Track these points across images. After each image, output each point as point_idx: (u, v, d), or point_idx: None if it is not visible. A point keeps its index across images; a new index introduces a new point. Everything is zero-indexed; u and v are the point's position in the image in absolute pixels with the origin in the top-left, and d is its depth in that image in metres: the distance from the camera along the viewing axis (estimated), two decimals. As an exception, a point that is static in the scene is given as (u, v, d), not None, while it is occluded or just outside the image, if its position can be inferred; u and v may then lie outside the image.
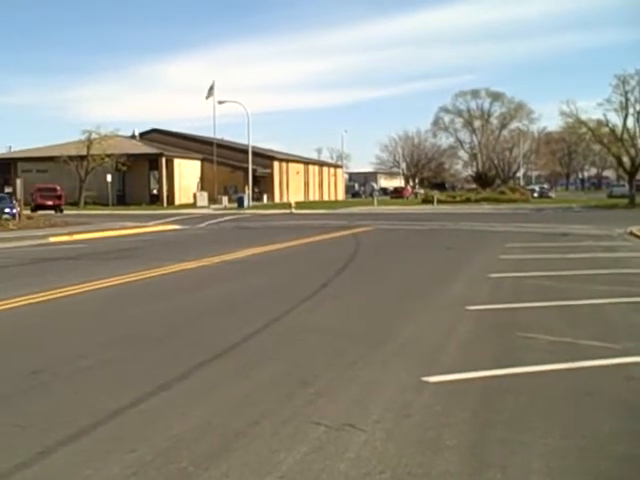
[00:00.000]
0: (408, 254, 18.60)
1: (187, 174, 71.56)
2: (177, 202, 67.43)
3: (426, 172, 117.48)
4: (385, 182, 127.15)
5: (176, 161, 70.35)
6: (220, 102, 67.12)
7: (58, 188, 54.29)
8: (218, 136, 73.53)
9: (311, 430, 4.78)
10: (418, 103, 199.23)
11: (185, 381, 6.04)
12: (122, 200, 66.73)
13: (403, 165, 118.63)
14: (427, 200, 66.92)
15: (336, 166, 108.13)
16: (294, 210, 50.34)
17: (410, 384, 5.94)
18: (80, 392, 5.70)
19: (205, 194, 66.22)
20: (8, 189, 57.84)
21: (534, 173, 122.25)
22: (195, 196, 66.20)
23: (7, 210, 35.36)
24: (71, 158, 63.63)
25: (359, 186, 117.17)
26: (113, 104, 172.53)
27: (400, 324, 8.60)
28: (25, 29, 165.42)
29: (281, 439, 4.61)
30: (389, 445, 4.54)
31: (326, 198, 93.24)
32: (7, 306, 9.87)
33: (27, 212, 40.14)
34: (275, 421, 4.96)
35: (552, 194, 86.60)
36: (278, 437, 4.65)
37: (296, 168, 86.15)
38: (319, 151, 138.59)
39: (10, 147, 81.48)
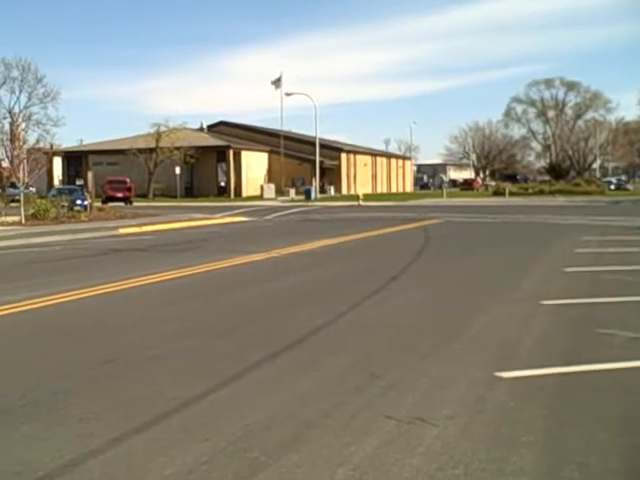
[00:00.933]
0: (479, 247, 18.36)
1: (254, 166, 72.24)
2: (244, 194, 68.18)
3: (497, 164, 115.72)
4: (454, 174, 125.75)
5: (243, 153, 71.10)
6: (287, 94, 67.53)
7: (128, 180, 55.55)
8: (285, 128, 74.00)
9: (382, 423, 4.78)
10: (489, 93, 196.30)
11: (256, 371, 6.11)
12: (190, 192, 67.85)
13: (473, 156, 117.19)
14: (498, 192, 65.89)
15: (404, 158, 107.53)
16: (362, 202, 50.27)
17: (483, 379, 5.87)
18: (153, 381, 5.84)
19: (272, 186, 66.79)
20: (79, 182, 59.53)
21: (611, 165, 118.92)
22: (262, 188, 66.84)
23: (79, 202, 36.36)
24: (140, 151, 65.04)
25: (428, 178, 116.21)
26: (182, 97, 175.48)
27: (472, 318, 8.50)
28: (97, 24, 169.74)
29: (352, 431, 4.63)
30: (462, 441, 4.50)
31: (394, 190, 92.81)
32: (79, 296, 10.16)
33: (98, 204, 41.17)
34: (345, 413, 4.98)
35: (630, 186, 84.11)
36: (349, 429, 4.66)
37: (364, 160, 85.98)
38: (387, 142, 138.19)
39: (81, 140, 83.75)
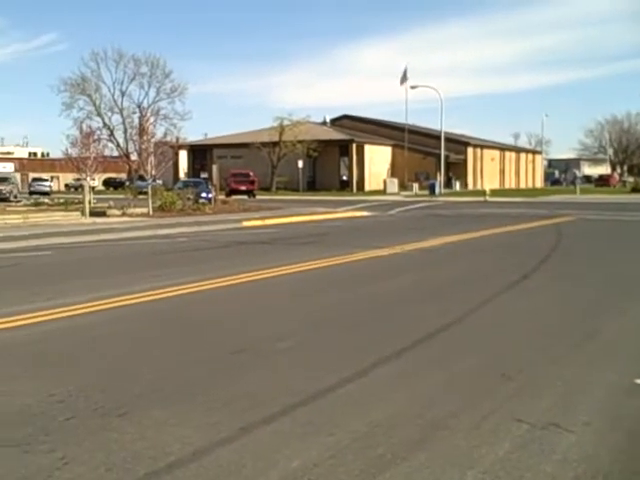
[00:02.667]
0: (616, 246, 17.60)
1: (377, 160, 72.29)
2: (367, 188, 68.36)
3: (636, 159, 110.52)
4: (589, 169, 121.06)
5: (366, 147, 71.28)
6: (413, 87, 67.11)
7: (251, 174, 56.88)
8: (410, 121, 73.56)
9: (513, 427, 4.67)
10: (627, 84, 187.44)
11: (382, 368, 6.12)
12: (312, 186, 68.73)
13: (610, 151, 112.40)
14: (637, 189, 62.93)
15: (535, 152, 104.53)
16: (488, 198, 49.28)
17: (621, 386, 5.63)
18: (279, 373, 5.95)
19: (395, 180, 66.63)
20: (204, 174, 61.46)
21: None
22: (385, 182, 66.80)
23: (203, 195, 37.58)
24: (264, 144, 66.45)
25: (559, 173, 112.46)
26: (305, 91, 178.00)
27: (608, 321, 8.18)
28: (225, 19, 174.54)
29: (481, 434, 4.55)
30: (600, 449, 4.33)
31: (523, 186, 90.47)
32: (205, 287, 10.49)
33: (222, 197, 42.40)
34: (475, 414, 4.90)
35: None
36: (478, 431, 4.59)
37: (491, 154, 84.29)
38: (516, 136, 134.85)
39: (206, 134, 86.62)
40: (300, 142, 65.04)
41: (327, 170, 70.33)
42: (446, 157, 68.44)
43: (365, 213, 33.75)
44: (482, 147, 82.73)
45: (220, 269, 12.49)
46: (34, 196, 54.71)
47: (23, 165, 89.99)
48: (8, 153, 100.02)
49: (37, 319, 7.98)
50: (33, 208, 34.49)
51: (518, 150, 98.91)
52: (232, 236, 20.87)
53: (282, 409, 4.97)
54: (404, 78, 68.22)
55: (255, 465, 4.03)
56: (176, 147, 58.72)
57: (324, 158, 68.33)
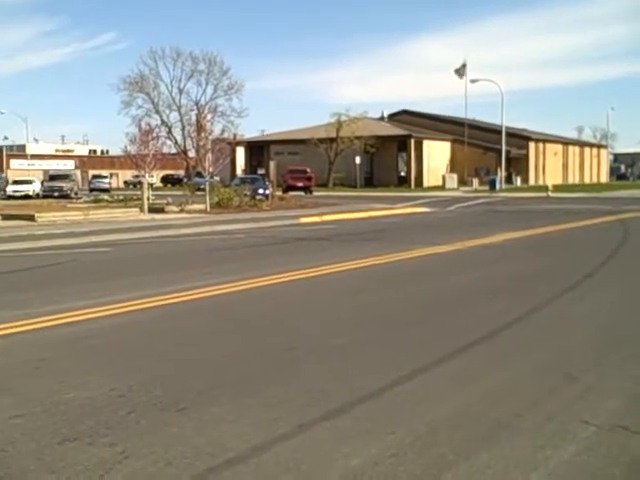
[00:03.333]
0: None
1: (436, 156, 71.73)
2: (425, 184, 67.93)
3: None
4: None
5: (425, 142, 70.80)
6: (472, 81, 66.37)
7: (308, 170, 57.05)
8: (469, 116, 72.78)
9: (579, 429, 4.56)
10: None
11: (442, 366, 6.05)
12: (369, 182, 68.59)
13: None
14: None
15: (599, 146, 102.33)
16: (550, 193, 48.45)
17: (695, 388, 5.46)
18: (335, 370, 5.94)
19: (454, 176, 66.02)
20: (261, 171, 61.87)
21: None
22: (444, 178, 66.25)
23: (260, 191, 37.85)
24: (321, 141, 66.59)
25: (626, 168, 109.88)
26: (363, 86, 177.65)
27: (680, 321, 7.94)
28: (283, 15, 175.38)
29: (546, 435, 4.45)
30: (673, 454, 4.20)
31: (587, 181, 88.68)
32: (261, 283, 10.55)
33: (279, 193, 42.64)
34: (539, 415, 4.80)
35: None
36: (542, 432, 4.49)
37: (554, 149, 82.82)
38: (580, 130, 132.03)
39: (263, 130, 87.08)
40: (358, 138, 64.95)
41: (385, 166, 70.07)
42: (507, 152, 67.47)
43: (424, 209, 33.52)
44: (544, 141, 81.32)
45: (277, 265, 12.55)
46: (94, 193, 55.87)
47: (83, 162, 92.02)
48: (69, 151, 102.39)
49: (95, 314, 8.13)
50: (93, 205, 35.26)
51: (582, 144, 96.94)
52: (289, 232, 20.96)
53: (340, 406, 4.96)
54: (462, 71, 67.49)
55: (314, 462, 4.03)
56: (233, 144, 59.15)
57: (382, 154, 68.10)
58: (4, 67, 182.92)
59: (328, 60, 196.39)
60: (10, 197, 49.67)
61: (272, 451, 4.19)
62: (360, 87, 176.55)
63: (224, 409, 4.93)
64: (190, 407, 4.96)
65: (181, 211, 30.36)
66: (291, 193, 48.98)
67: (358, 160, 65.22)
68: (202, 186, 36.91)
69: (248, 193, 34.80)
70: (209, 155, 34.12)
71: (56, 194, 49.41)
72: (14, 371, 5.91)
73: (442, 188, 62.61)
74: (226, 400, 5.13)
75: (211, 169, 33.83)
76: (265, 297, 9.72)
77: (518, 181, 69.96)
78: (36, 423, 4.65)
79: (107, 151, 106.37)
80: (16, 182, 55.89)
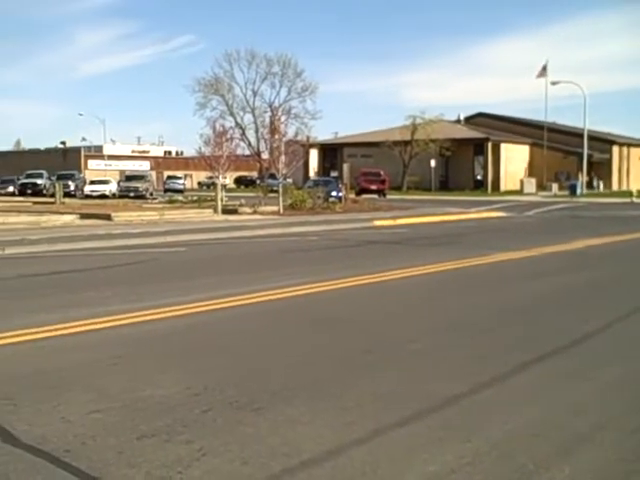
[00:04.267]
0: None
1: (514, 159, 70.65)
2: (502, 188, 66.98)
3: None
4: None
5: (503, 146, 69.83)
6: (553, 83, 65.07)
7: (382, 173, 56.94)
8: (549, 119, 71.40)
9: (666, 444, 4.45)
10: None
11: (521, 375, 5.98)
12: (444, 185, 68.05)
13: None
14: None
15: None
16: (635, 199, 47.15)
17: None
18: (411, 375, 5.93)
19: (533, 180, 64.92)
20: (334, 173, 62.12)
21: None
22: (522, 182, 65.21)
23: (334, 193, 37.98)
24: (395, 143, 66.39)
25: None
26: (438, 88, 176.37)
27: None
28: (358, 18, 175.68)
29: (629, 449, 4.35)
30: None
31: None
32: (336, 286, 10.59)
33: (352, 196, 42.71)
34: (622, 429, 4.69)
35: None
36: (624, 446, 4.39)
37: (639, 153, 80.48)
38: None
39: (336, 133, 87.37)
40: (433, 141, 64.54)
41: (460, 169, 69.40)
42: (589, 156, 65.90)
43: (501, 214, 33.06)
44: (629, 145, 79.07)
45: (350, 268, 12.58)
46: (168, 193, 57.04)
47: (158, 163, 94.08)
48: (144, 152, 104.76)
49: (171, 314, 8.32)
50: (168, 205, 36.00)
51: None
52: (363, 235, 20.97)
53: (416, 412, 4.95)
54: (543, 72, 66.30)
55: (390, 467, 4.04)
56: (307, 146, 59.53)
57: (457, 157, 67.47)
58: (83, 69, 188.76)
59: (403, 62, 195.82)
60: (87, 197, 51.15)
61: (347, 454, 4.22)
62: (436, 90, 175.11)
63: (299, 410, 4.98)
64: (265, 407, 5.03)
65: (254, 212, 30.73)
66: (364, 196, 48.99)
67: (433, 163, 64.78)
68: (275, 188, 37.25)
69: (321, 195, 34.95)
70: (282, 157, 34.38)
71: (132, 194, 50.66)
72: (93, 367, 6.10)
73: (520, 193, 61.59)
74: (301, 402, 5.19)
75: (284, 171, 34.08)
76: (339, 300, 9.76)
77: (600, 186, 68.29)
78: (115, 418, 4.79)
79: (182, 152, 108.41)
80: (93, 182, 57.54)
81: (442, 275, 12.18)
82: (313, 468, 4.03)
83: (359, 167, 59.04)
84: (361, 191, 52.79)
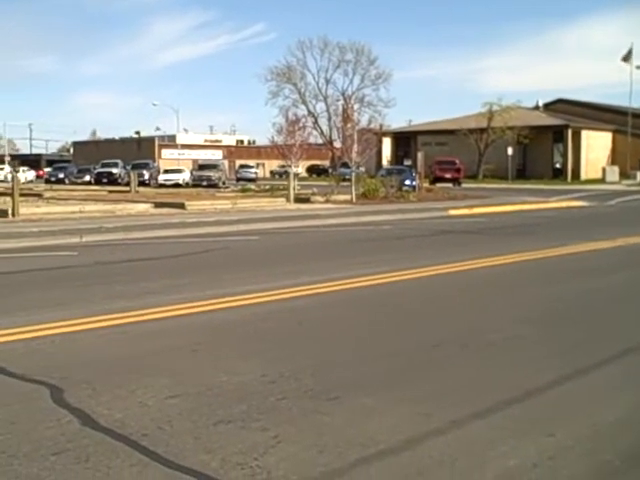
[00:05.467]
0: None
1: (595, 147, 68.87)
2: (582, 177, 65.45)
3: None
4: None
5: (583, 133, 68.14)
6: (639, 67, 63.08)
7: (457, 161, 56.31)
8: (634, 105, 69.27)
9: None
10: None
11: (605, 368, 5.82)
12: (522, 174, 66.81)
13: None
14: None
15: None
16: None
17: None
18: (490, 366, 5.85)
19: (616, 168, 63.24)
20: (407, 162, 61.67)
21: None
22: (604, 170, 63.60)
23: (407, 182, 37.79)
24: (471, 131, 65.49)
25: None
26: (515, 74, 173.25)
27: None
28: (431, 1, 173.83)
29: None
30: None
31: None
32: (410, 276, 10.52)
33: (426, 185, 42.39)
34: None
35: None
36: None
37: None
38: None
39: (410, 121, 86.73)
40: (510, 128, 63.39)
41: (539, 157, 67.98)
42: (677, 143, 63.73)
43: (581, 203, 32.31)
44: None
45: (425, 258, 12.49)
46: (241, 182, 57.69)
47: (231, 152, 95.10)
48: (217, 141, 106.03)
49: (248, 301, 8.40)
50: (240, 194, 36.42)
51: None
52: (437, 225, 20.78)
53: (495, 404, 4.87)
54: (628, 56, 64.34)
55: (468, 460, 3.99)
56: (380, 134, 59.29)
57: (536, 145, 66.11)
58: (158, 60, 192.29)
59: (479, 48, 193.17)
60: (161, 186, 52.13)
61: (425, 445, 4.18)
62: (513, 75, 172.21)
63: (374, 400, 4.97)
64: (340, 397, 5.03)
65: (326, 201, 30.79)
66: (439, 185, 48.57)
67: (510, 151, 63.61)
68: (347, 177, 37.24)
69: (394, 184, 34.78)
70: (355, 145, 34.32)
71: (204, 183, 51.40)
72: (171, 353, 6.21)
73: (601, 181, 60.08)
74: (376, 391, 5.17)
75: (357, 159, 34.03)
76: (414, 289, 9.71)
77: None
78: (191, 404, 4.86)
79: (254, 141, 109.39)
80: (167, 171, 58.66)
81: (521, 265, 11.97)
82: (390, 458, 4.01)
83: (433, 155, 58.50)
84: (435, 180, 52.35)
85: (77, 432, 4.31)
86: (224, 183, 53.49)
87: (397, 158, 73.97)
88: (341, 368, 5.80)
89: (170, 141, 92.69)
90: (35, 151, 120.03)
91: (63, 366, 5.71)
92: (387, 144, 76.28)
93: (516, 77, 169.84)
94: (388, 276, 10.31)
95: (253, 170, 72.44)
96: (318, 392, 5.12)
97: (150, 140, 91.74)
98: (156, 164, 67.83)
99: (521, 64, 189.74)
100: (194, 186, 50.37)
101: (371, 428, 4.45)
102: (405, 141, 76.61)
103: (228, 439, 4.23)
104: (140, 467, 3.83)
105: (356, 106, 56.35)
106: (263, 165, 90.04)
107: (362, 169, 41.92)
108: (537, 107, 78.76)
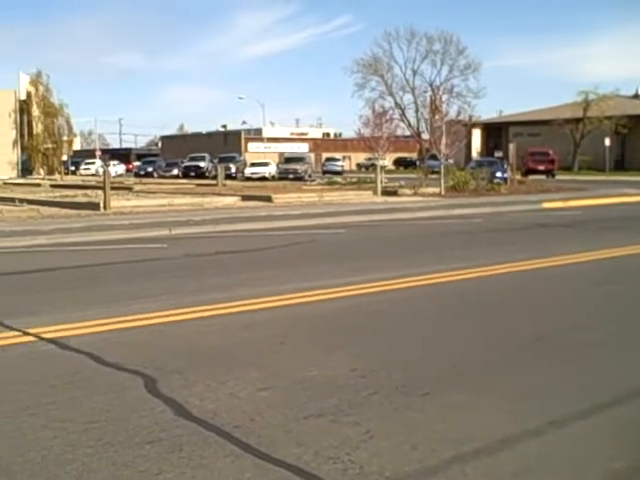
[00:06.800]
0: None
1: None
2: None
3: None
4: None
5: (687, 121, 65.53)
6: None
7: (550, 152, 55.08)
8: None
9: None
10: None
11: None
12: (620, 165, 64.84)
13: None
14: None
15: None
16: None
17: None
18: (589, 365, 5.71)
19: None
20: (498, 153, 60.64)
21: None
22: None
23: (498, 174, 37.17)
24: (566, 121, 63.90)
25: None
26: (613, 61, 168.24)
27: None
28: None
29: None
30: None
31: None
32: (505, 270, 10.33)
33: (518, 177, 41.59)
34: None
35: None
36: None
37: None
38: None
39: (501, 111, 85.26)
40: (608, 118, 61.54)
41: (638, 148, 65.79)
42: None
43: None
44: None
45: (518, 252, 12.24)
46: (327, 175, 57.85)
47: (317, 145, 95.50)
48: (303, 134, 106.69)
49: (336, 295, 8.43)
50: (327, 187, 36.52)
51: None
52: (530, 218, 20.36)
53: (597, 404, 4.74)
54: None
55: (569, 462, 3.89)
56: (469, 125, 58.50)
57: (635, 135, 63.97)
58: (243, 54, 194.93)
59: (574, 35, 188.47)
60: (248, 179, 52.85)
61: (522, 445, 4.10)
62: (610, 63, 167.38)
63: (466, 397, 4.90)
64: (432, 393, 4.98)
65: (414, 194, 30.58)
66: (531, 177, 47.60)
67: (607, 142, 61.69)
68: (436, 169, 36.91)
69: (485, 176, 34.25)
70: (444, 137, 33.94)
71: (291, 176, 51.85)
72: (260, 346, 6.28)
73: None
74: (468, 388, 5.10)
75: (446, 152, 33.65)
76: (507, 284, 9.53)
77: None
78: (282, 397, 4.90)
79: (340, 134, 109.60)
80: (253, 164, 59.35)
81: (619, 260, 11.59)
82: (486, 457, 3.94)
83: (525, 146, 57.31)
84: (528, 172, 51.31)
85: (170, 422, 4.41)
86: (310, 176, 53.79)
87: (487, 150, 72.81)
88: (430, 364, 5.75)
89: (256, 134, 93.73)
90: (124, 145, 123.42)
91: (155, 356, 5.85)
92: (477, 135, 75.14)
93: (613, 65, 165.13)
94: (480, 270, 10.16)
95: (339, 163, 72.56)
96: (409, 388, 5.08)
97: (236, 134, 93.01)
98: (242, 157, 68.77)
99: (619, 51, 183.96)
100: (280, 179, 50.86)
101: (464, 425, 4.39)
102: (496, 132, 75.33)
103: (319, 433, 4.25)
104: (232, 458, 3.89)
105: (444, 97, 55.55)
106: (349, 158, 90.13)
107: (451, 161, 41.46)
108: (637, 95, 76.20)
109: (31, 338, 6.49)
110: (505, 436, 4.23)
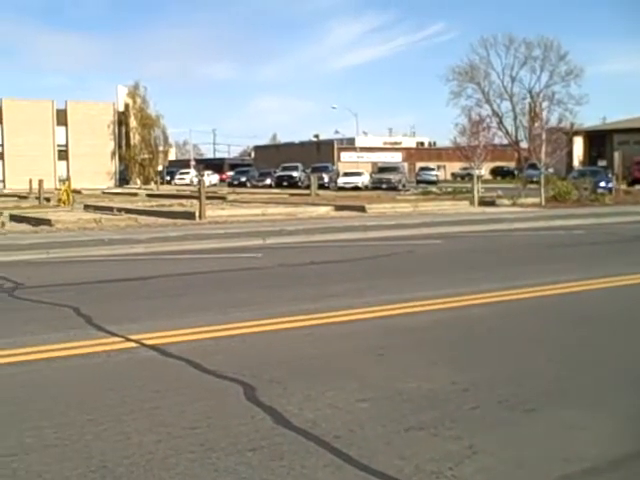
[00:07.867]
0: None
1: None
2: None
3: None
4: None
5: None
6: None
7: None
8: None
9: None
10: None
11: None
12: None
13: None
14: None
15: None
16: None
17: None
18: None
19: None
20: (602, 162, 59.10)
21: None
22: None
23: (602, 184, 36.28)
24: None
25: None
26: None
27: None
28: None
29: None
30: None
31: None
32: (604, 285, 10.04)
33: (623, 186, 40.43)
34: None
35: None
36: None
37: None
38: None
39: (604, 118, 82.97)
40: None
41: None
42: None
43: None
44: None
45: (623, 265, 11.88)
46: (421, 185, 57.61)
47: (410, 154, 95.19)
48: (396, 143, 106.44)
49: (434, 306, 8.39)
50: (421, 197, 36.41)
51: None
52: (635, 230, 19.73)
53: None
54: None
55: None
56: (570, 133, 57.20)
57: None
58: (335, 64, 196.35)
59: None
60: (340, 189, 53.14)
61: (636, 468, 3.98)
62: None
63: (575, 414, 4.79)
64: (538, 409, 4.89)
65: (513, 204, 30.10)
66: (638, 187, 46.17)
67: None
68: (535, 179, 36.21)
69: (588, 186, 33.42)
70: (544, 146, 33.27)
71: (384, 186, 51.88)
72: (357, 356, 6.30)
73: None
74: (577, 405, 4.98)
75: (546, 161, 32.99)
76: (610, 299, 9.26)
77: None
78: (381, 409, 4.90)
79: (434, 143, 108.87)
80: (346, 174, 59.68)
81: None
82: (595, 477, 3.84)
83: (632, 155, 55.61)
84: (634, 181, 49.87)
85: (270, 430, 4.47)
86: (404, 186, 53.67)
87: (590, 159, 70.96)
88: (537, 379, 5.64)
89: (349, 144, 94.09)
90: (218, 155, 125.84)
91: (253, 365, 5.94)
92: (579, 144, 73.32)
93: None
94: (582, 284, 9.90)
95: (434, 172, 72.08)
96: (513, 403, 5.00)
97: (329, 143, 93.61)
98: (335, 167, 69.16)
99: None
100: (373, 189, 50.94)
101: (573, 443, 4.30)
102: (599, 140, 73.31)
103: (420, 446, 4.23)
104: (333, 468, 3.91)
105: (544, 104, 54.68)
106: (444, 167, 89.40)
107: (551, 170, 40.63)
108: None
109: (133, 344, 6.70)
110: (617, 457, 4.12)
